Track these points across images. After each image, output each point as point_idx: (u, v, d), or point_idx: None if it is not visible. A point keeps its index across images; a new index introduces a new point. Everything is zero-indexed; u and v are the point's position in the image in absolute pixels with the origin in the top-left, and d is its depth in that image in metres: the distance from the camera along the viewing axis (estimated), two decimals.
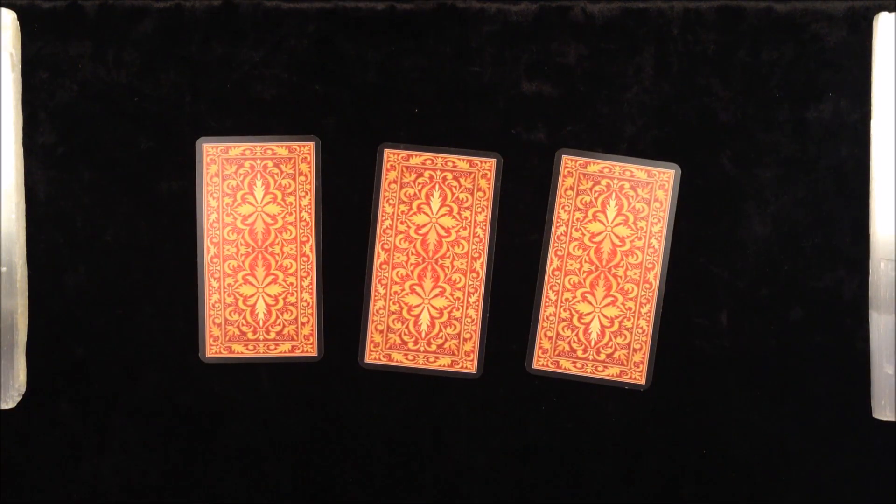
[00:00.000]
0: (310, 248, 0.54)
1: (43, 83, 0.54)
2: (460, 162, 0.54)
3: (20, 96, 0.54)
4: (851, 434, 0.54)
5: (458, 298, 0.54)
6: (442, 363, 0.54)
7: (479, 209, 0.54)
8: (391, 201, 0.54)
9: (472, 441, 0.55)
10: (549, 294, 0.54)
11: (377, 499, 0.55)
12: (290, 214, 0.54)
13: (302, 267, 0.54)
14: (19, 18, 0.54)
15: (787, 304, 0.54)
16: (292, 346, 0.54)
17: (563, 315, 0.54)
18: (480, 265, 0.54)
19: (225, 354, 0.54)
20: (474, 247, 0.54)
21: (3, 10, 0.53)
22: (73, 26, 0.54)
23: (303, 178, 0.54)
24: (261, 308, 0.54)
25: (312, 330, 0.54)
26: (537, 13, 0.54)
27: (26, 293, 0.54)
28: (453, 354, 0.54)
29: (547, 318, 0.54)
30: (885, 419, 0.53)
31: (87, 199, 0.54)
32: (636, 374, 0.54)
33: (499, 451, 0.55)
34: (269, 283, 0.54)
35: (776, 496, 0.54)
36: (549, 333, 0.54)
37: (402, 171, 0.54)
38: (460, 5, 0.54)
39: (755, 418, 0.54)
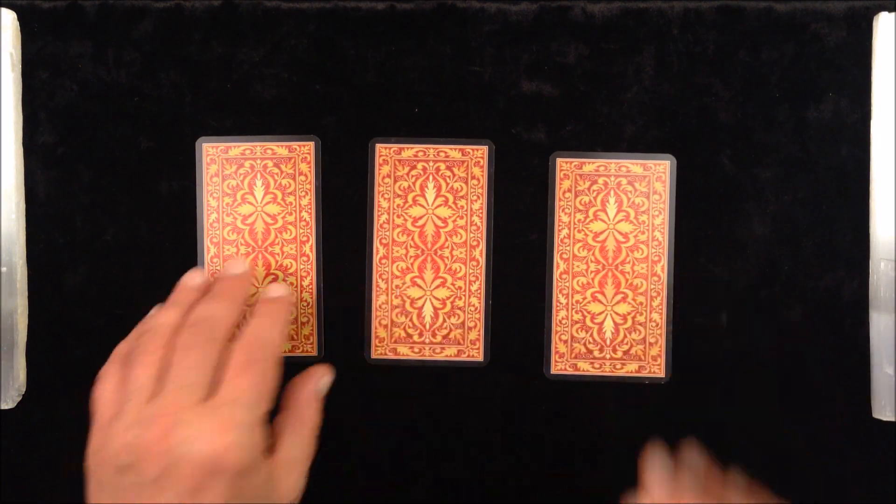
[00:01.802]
0: (310, 248, 0.54)
1: (43, 83, 0.54)
2: (452, 151, 0.54)
3: (20, 96, 0.54)
4: (851, 434, 0.54)
5: (460, 288, 0.54)
6: (448, 353, 0.54)
7: (475, 197, 0.54)
8: (386, 196, 0.54)
9: (474, 441, 0.55)
10: (558, 298, 0.54)
11: (377, 497, 0.55)
12: (290, 214, 0.54)
13: (302, 267, 0.54)
14: (19, 18, 0.54)
15: (787, 304, 0.54)
16: (293, 346, 0.54)
17: (576, 317, 0.54)
18: (480, 253, 0.54)
19: None
20: (472, 235, 0.54)
21: (3, 10, 0.53)
22: (73, 26, 0.54)
23: (303, 177, 0.54)
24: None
25: (313, 329, 0.54)
26: (537, 13, 0.54)
27: (26, 293, 0.54)
28: (459, 344, 0.54)
29: (560, 322, 0.54)
30: (885, 419, 0.53)
31: (87, 199, 0.54)
32: (655, 367, 0.54)
33: (499, 450, 0.55)
34: (270, 284, 0.54)
35: (776, 496, 0.54)
36: (563, 337, 0.54)
37: (395, 164, 0.54)
38: (460, 5, 0.54)
39: (755, 418, 0.54)
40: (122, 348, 0.47)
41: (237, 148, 0.54)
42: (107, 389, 0.45)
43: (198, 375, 0.43)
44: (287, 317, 0.49)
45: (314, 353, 0.54)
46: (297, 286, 0.54)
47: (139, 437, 0.41)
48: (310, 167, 0.54)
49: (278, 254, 0.54)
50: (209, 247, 0.54)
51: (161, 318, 0.47)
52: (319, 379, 0.49)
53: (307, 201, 0.54)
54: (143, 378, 0.44)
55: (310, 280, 0.54)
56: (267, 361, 0.45)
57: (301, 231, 0.54)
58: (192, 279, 0.50)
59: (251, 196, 0.54)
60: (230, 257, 0.54)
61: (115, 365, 0.46)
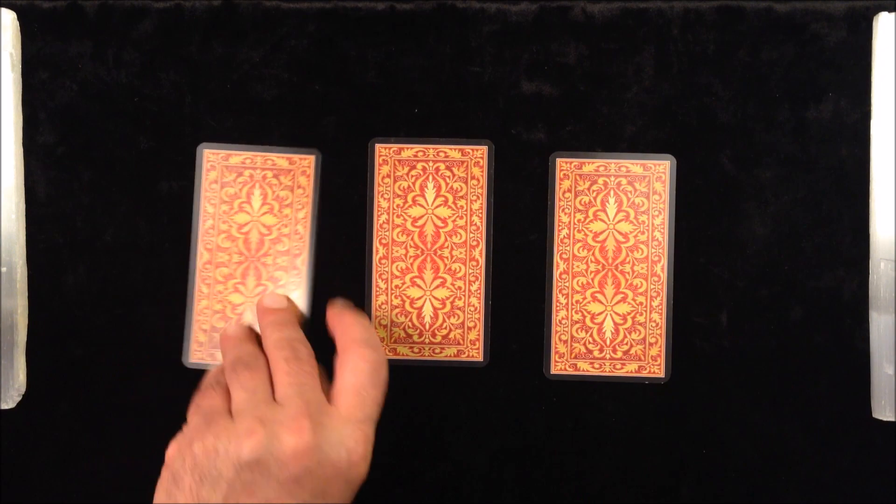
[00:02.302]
0: (301, 262, 0.54)
1: (43, 83, 0.54)
2: (452, 151, 0.54)
3: (20, 96, 0.54)
4: (851, 434, 0.54)
5: (460, 288, 0.54)
6: (448, 353, 0.54)
7: (474, 197, 0.54)
8: (386, 196, 0.54)
9: (474, 441, 0.55)
10: (558, 298, 0.54)
11: (377, 497, 0.55)
12: (286, 226, 0.54)
13: (292, 280, 0.54)
14: (19, 18, 0.54)
15: (787, 304, 0.54)
16: None
17: (576, 317, 0.54)
18: (479, 253, 0.54)
19: (208, 361, 0.54)
20: (472, 235, 0.54)
21: (3, 10, 0.53)
22: (73, 26, 0.54)
23: (301, 190, 0.54)
24: (248, 317, 0.54)
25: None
26: (537, 13, 0.54)
27: (26, 293, 0.54)
28: (459, 344, 0.54)
29: (559, 321, 0.54)
30: (885, 419, 0.53)
31: (87, 199, 0.54)
32: (655, 367, 0.54)
33: (499, 450, 0.55)
34: (260, 293, 0.54)
35: (776, 496, 0.54)
36: (563, 337, 0.54)
37: (395, 164, 0.54)
38: (460, 5, 0.54)
39: (755, 418, 0.54)
40: (209, 378, 0.49)
41: (238, 156, 0.54)
42: (215, 394, 0.47)
43: (314, 390, 0.45)
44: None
45: None
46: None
47: (276, 436, 0.43)
48: (308, 181, 0.54)
49: (270, 265, 0.54)
50: (202, 252, 0.54)
51: (243, 350, 0.48)
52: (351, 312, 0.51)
53: (303, 215, 0.54)
54: (258, 382, 0.46)
55: (300, 294, 0.54)
56: (382, 374, 0.47)
57: (294, 244, 0.54)
58: (234, 329, 0.51)
59: (248, 205, 0.54)
60: (223, 265, 0.54)
61: (212, 380, 0.48)
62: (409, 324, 0.54)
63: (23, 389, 0.54)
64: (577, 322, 0.54)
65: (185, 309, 0.54)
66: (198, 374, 0.54)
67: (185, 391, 0.55)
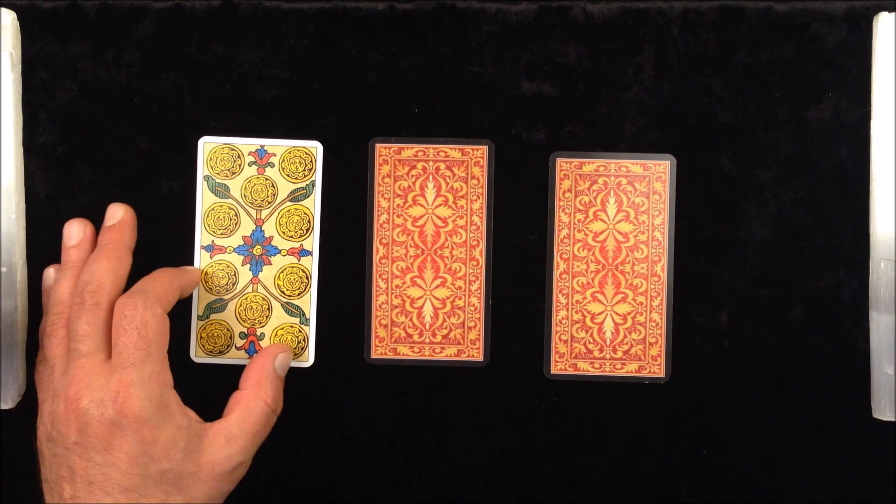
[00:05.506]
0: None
1: (43, 83, 0.54)
2: (452, 151, 0.54)
3: (20, 96, 0.54)
4: (851, 434, 0.54)
5: (460, 287, 0.54)
6: (448, 353, 0.54)
7: (475, 197, 0.54)
8: (386, 195, 0.54)
9: (475, 441, 0.55)
10: (558, 298, 0.54)
11: (378, 497, 0.55)
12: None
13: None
14: (19, 18, 0.54)
15: (787, 304, 0.54)
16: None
17: (576, 317, 0.54)
18: (480, 253, 0.54)
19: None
20: (472, 235, 0.54)
21: (3, 10, 0.53)
22: (73, 26, 0.54)
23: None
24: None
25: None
26: (537, 13, 0.54)
27: (26, 293, 0.54)
28: (459, 344, 0.54)
29: (559, 322, 0.54)
30: (885, 419, 0.53)
31: (87, 199, 0.54)
32: (655, 367, 0.54)
33: (499, 450, 0.55)
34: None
35: (776, 496, 0.54)
36: (563, 337, 0.54)
37: (395, 164, 0.54)
38: (460, 5, 0.54)
39: (755, 418, 0.54)
40: (42, 328, 0.51)
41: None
42: (37, 371, 0.50)
43: (90, 344, 0.47)
44: (122, 248, 0.51)
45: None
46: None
47: (55, 408, 0.46)
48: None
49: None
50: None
51: (55, 296, 0.50)
52: (274, 357, 0.51)
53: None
54: (53, 357, 0.48)
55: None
56: (138, 314, 0.47)
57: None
58: (69, 237, 0.53)
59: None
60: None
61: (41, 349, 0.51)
62: (410, 323, 0.54)
63: (23, 389, 0.54)
64: (577, 322, 0.54)
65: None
66: (198, 371, 0.55)
67: (187, 389, 0.55)
